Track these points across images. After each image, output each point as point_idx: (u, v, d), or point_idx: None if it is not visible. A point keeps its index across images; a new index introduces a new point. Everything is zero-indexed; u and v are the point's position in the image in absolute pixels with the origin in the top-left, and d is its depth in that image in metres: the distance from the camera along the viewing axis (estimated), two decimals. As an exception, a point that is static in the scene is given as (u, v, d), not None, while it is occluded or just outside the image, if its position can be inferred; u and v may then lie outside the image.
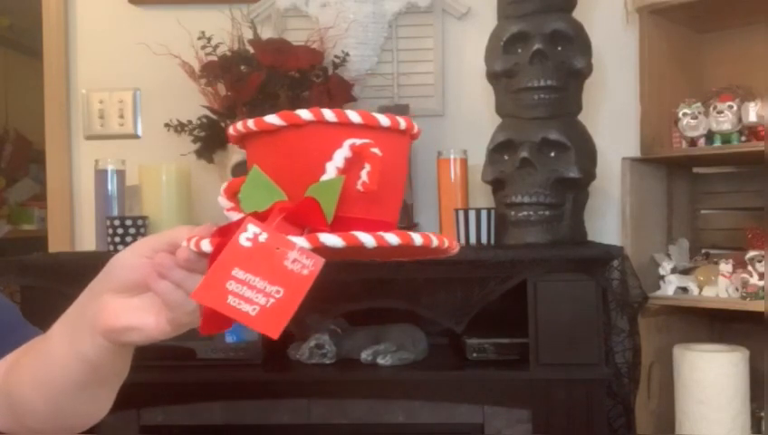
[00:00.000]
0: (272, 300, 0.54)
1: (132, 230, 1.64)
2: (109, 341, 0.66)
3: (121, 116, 2.08)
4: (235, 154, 1.75)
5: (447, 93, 2.05)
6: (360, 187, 0.55)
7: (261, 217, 0.57)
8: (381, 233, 0.54)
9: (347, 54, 1.88)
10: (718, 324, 1.85)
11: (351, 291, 1.55)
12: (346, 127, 0.56)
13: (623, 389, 1.62)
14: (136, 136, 2.10)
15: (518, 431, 1.55)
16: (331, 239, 0.54)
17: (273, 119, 0.57)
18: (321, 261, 0.55)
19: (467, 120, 2.02)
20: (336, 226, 0.56)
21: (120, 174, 1.76)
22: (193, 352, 1.61)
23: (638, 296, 1.63)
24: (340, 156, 0.55)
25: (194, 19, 1.93)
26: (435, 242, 0.58)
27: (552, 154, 1.66)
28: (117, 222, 1.65)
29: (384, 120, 0.58)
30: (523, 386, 1.55)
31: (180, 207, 1.76)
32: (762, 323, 1.51)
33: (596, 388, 1.54)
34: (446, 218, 1.76)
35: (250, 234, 0.55)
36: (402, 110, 1.98)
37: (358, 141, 0.56)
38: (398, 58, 2.03)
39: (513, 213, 1.66)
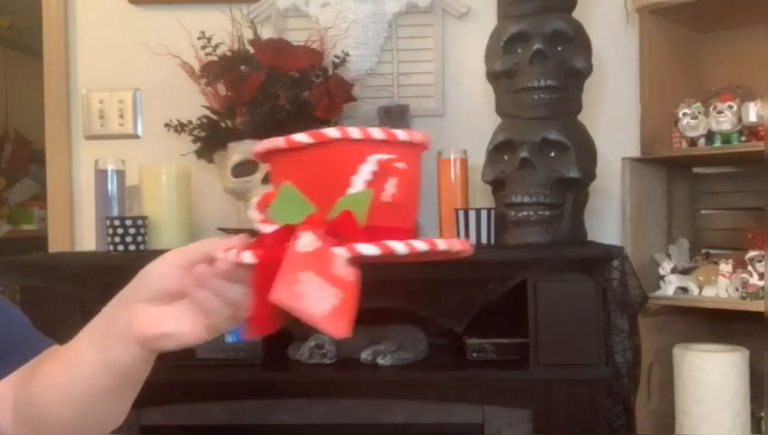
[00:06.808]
0: (335, 301, 0.59)
1: (132, 230, 1.64)
2: (143, 348, 0.68)
3: (121, 116, 2.08)
4: (235, 154, 1.75)
5: (447, 93, 2.05)
6: (389, 198, 0.61)
7: (293, 230, 0.60)
8: (410, 241, 0.59)
9: (347, 54, 1.88)
10: (718, 324, 1.85)
11: (351, 291, 1.55)
12: (369, 143, 0.62)
13: (623, 389, 1.62)
14: (136, 136, 2.10)
15: (518, 431, 1.54)
16: (367, 248, 0.59)
17: (302, 137, 0.62)
18: (356, 271, 0.60)
19: (467, 120, 2.02)
20: (366, 234, 0.60)
21: (120, 174, 1.76)
22: (193, 352, 1.61)
23: (638, 296, 1.63)
24: (367, 170, 0.60)
25: (194, 19, 1.93)
26: (457, 246, 0.64)
27: (552, 154, 1.66)
28: (117, 222, 1.65)
29: (402, 134, 0.63)
30: (523, 386, 1.55)
31: (180, 207, 1.76)
32: (762, 323, 1.51)
33: (596, 388, 1.54)
34: (446, 218, 1.76)
35: (304, 243, 0.59)
36: (402, 110, 1.98)
37: (384, 156, 0.61)
38: (398, 58, 2.03)
39: (513, 213, 1.66)
